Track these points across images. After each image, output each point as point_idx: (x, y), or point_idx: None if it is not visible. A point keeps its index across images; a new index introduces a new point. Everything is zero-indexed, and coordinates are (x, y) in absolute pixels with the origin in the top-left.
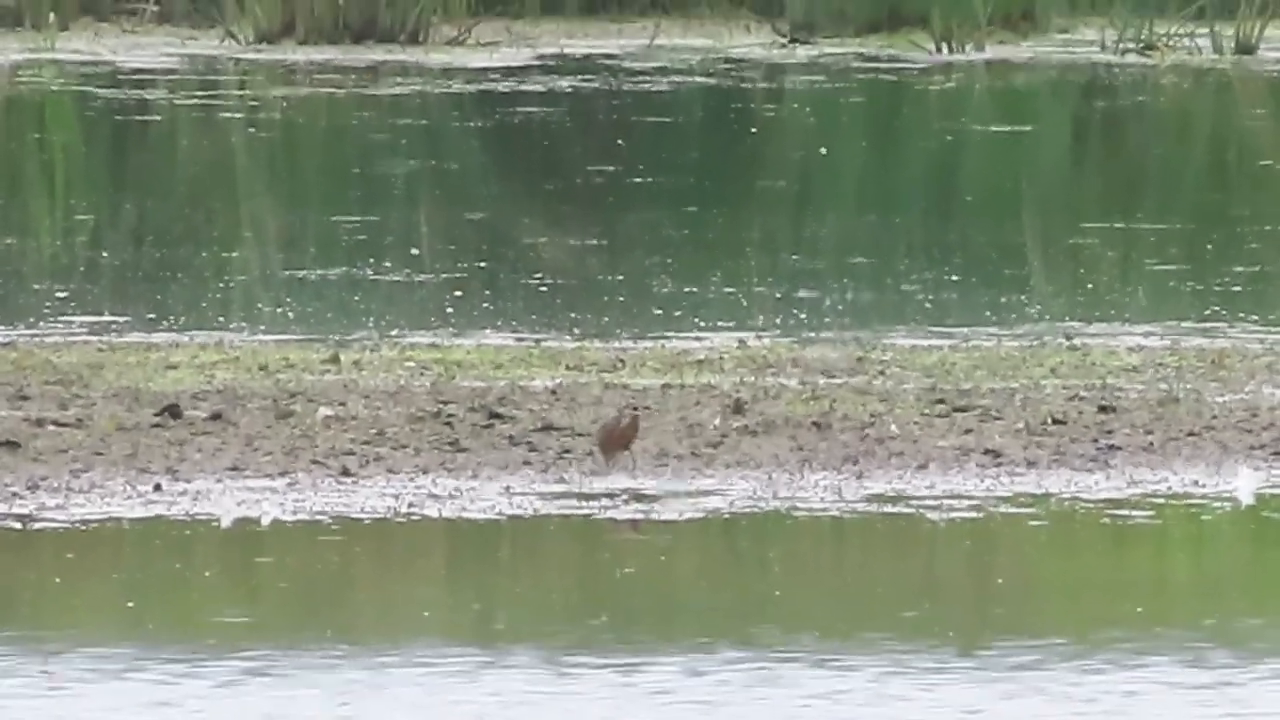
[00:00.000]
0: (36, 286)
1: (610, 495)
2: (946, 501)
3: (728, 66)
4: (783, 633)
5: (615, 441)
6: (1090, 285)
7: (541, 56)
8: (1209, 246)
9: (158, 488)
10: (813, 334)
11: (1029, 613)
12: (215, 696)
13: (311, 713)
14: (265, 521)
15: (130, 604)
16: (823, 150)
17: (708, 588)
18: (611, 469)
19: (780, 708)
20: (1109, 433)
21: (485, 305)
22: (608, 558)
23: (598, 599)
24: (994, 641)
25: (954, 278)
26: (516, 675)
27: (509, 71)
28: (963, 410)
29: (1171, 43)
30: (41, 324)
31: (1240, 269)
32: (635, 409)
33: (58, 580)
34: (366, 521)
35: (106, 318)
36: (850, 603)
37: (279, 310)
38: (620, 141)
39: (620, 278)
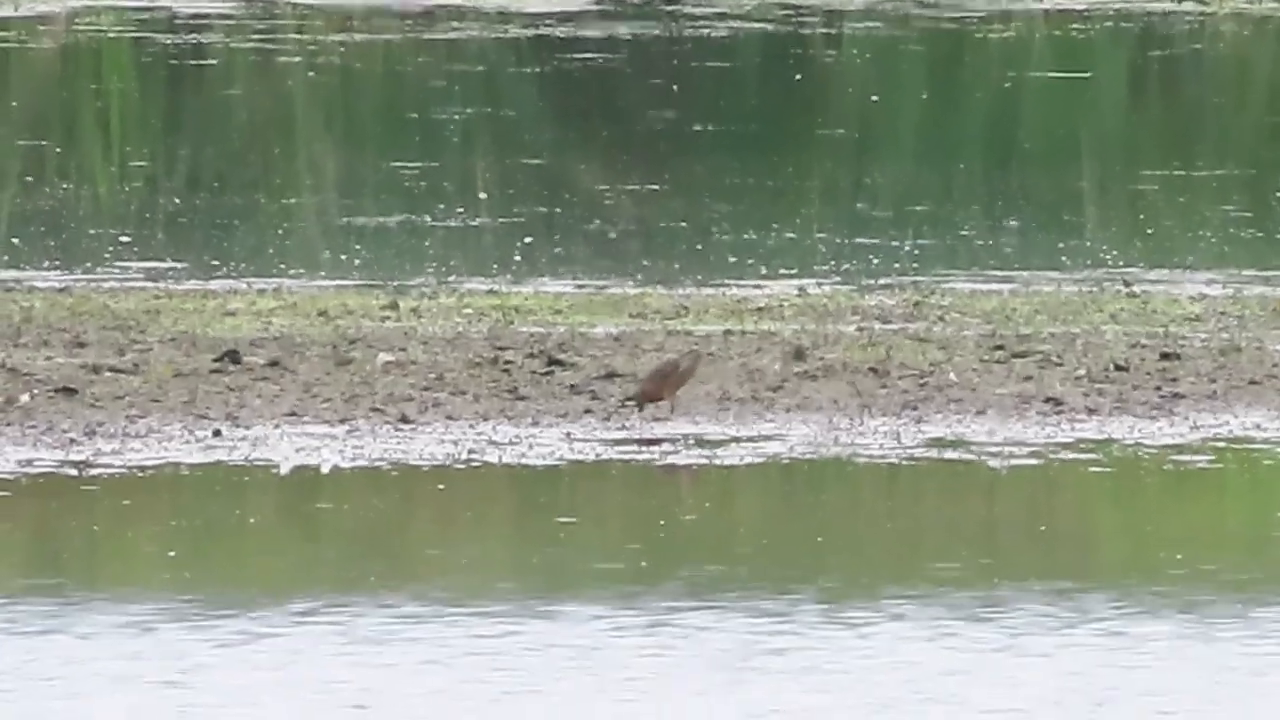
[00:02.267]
0: (93, 232)
1: (671, 440)
2: (1007, 448)
3: (786, 12)
4: (839, 577)
5: (665, 386)
6: (1150, 231)
7: (599, 1)
8: (1269, 194)
9: (217, 433)
10: (872, 281)
11: (1089, 557)
12: (265, 642)
13: (371, 658)
14: (325, 469)
15: (178, 552)
16: (874, 97)
17: (767, 532)
18: (646, 410)
19: (822, 652)
20: (1173, 380)
21: (545, 251)
22: (669, 503)
23: (658, 544)
24: (1049, 585)
25: (1013, 223)
26: (570, 621)
27: (566, 17)
28: (1022, 356)
29: None
30: (99, 269)
31: None
32: (696, 351)
33: (112, 526)
34: (425, 469)
35: (164, 264)
36: (906, 547)
37: (338, 256)
38: (678, 87)
39: (681, 224)
